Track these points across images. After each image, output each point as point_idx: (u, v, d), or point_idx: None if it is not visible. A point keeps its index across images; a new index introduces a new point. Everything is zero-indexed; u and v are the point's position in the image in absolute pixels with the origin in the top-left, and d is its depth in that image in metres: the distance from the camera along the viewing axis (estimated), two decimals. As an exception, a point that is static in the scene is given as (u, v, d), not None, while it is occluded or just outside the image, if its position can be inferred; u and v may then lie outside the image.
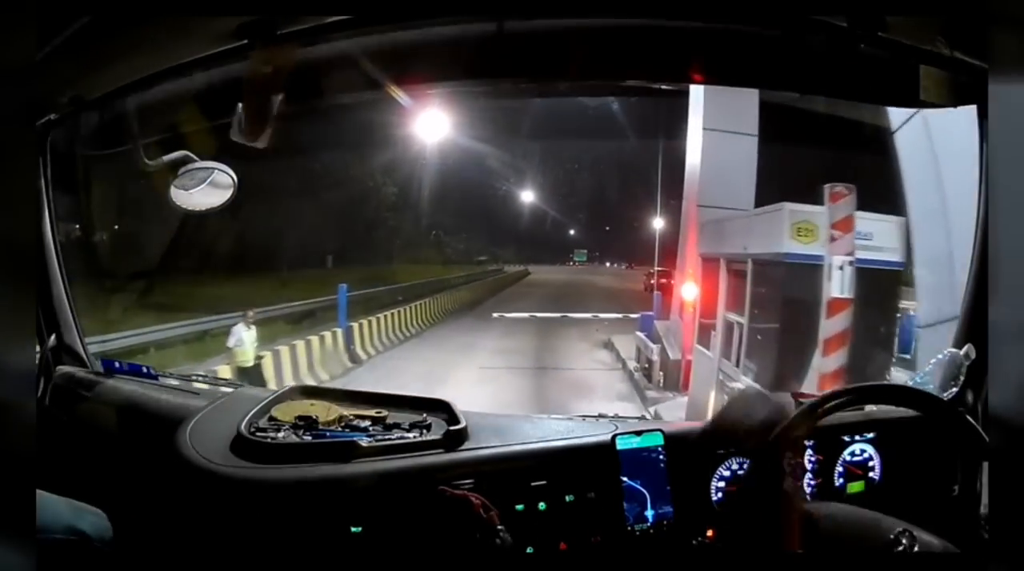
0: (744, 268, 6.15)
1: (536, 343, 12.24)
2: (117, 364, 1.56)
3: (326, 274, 18.91)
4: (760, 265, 5.90)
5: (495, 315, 13.71)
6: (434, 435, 1.15)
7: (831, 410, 1.02)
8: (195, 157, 1.28)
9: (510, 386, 8.79)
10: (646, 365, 9.37)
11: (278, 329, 11.03)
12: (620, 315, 13.81)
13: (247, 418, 1.15)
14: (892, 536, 0.83)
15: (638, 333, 10.32)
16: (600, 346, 12.15)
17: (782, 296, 5.51)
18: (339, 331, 10.13)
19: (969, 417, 0.98)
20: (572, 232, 58.41)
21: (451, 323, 14.81)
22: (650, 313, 11.09)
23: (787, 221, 5.22)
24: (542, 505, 1.09)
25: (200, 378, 1.96)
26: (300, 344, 8.88)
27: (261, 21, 1.02)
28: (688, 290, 8.45)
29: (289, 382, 5.79)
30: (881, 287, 5.28)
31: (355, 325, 10.62)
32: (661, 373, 8.73)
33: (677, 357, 8.45)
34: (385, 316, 11.97)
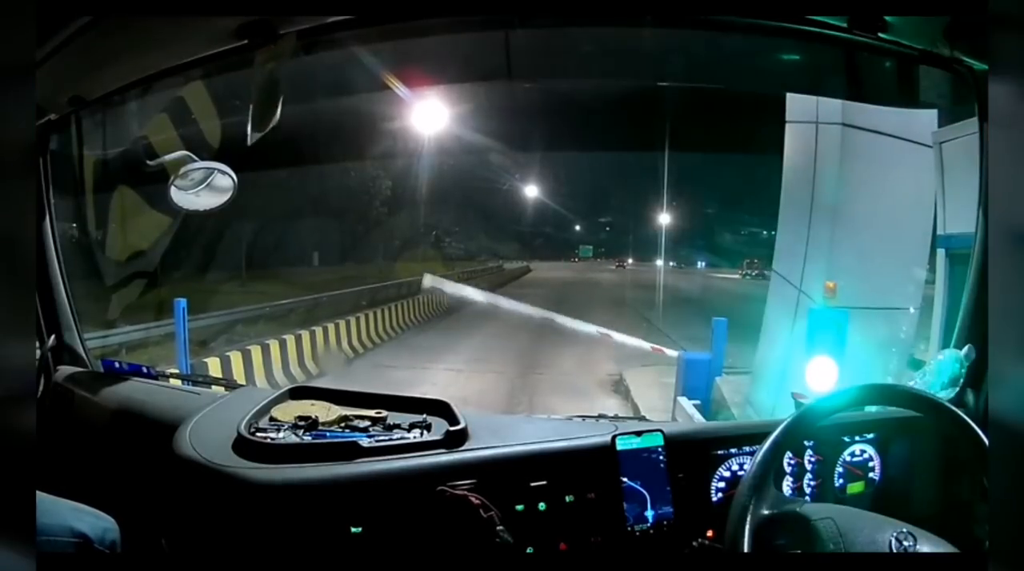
0: None
1: (508, 386, 7.48)
2: (117, 364, 1.56)
3: (304, 274, 17.11)
4: None
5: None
6: (434, 435, 1.15)
7: (831, 411, 1.02)
8: (195, 157, 1.28)
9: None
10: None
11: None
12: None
13: (247, 418, 1.15)
14: (892, 536, 0.83)
15: (682, 401, 5.37)
16: (609, 388, 7.66)
17: None
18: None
19: (968, 418, 0.97)
20: (577, 228, 58.43)
21: (392, 347, 10.21)
22: (701, 355, 5.87)
23: None
24: (542, 505, 1.09)
25: (200, 378, 1.96)
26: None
27: (261, 21, 1.02)
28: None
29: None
30: None
31: (209, 362, 6.44)
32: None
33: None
34: (291, 338, 7.73)
